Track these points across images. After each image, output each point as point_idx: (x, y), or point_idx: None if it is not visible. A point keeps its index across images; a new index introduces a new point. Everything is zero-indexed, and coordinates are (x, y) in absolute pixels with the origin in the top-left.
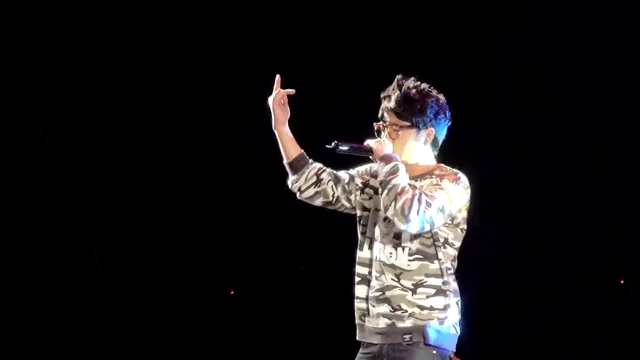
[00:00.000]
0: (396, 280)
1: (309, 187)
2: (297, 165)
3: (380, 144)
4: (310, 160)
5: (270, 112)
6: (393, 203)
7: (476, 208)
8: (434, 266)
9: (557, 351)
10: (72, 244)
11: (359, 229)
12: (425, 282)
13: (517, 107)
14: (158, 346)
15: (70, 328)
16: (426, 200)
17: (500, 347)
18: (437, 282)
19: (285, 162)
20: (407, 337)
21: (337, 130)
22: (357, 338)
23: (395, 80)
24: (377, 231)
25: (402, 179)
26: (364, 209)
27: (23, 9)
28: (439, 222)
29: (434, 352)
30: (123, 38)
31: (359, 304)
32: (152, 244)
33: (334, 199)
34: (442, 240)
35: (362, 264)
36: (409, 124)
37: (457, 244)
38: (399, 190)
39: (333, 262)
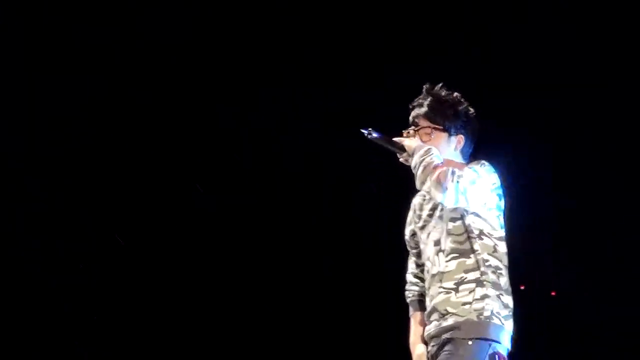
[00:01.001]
0: (440, 284)
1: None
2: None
3: (413, 141)
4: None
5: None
6: (429, 177)
7: None
8: (471, 260)
9: None
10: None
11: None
12: (466, 278)
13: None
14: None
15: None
16: (459, 173)
17: None
18: (476, 275)
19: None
20: (448, 334)
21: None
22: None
23: (424, 89)
24: (427, 252)
25: (437, 159)
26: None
27: (21, 9)
28: (471, 196)
29: (470, 343)
30: (122, 38)
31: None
32: (151, 244)
33: None
34: (476, 232)
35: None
36: (441, 127)
37: (496, 233)
38: (434, 165)
39: (332, 265)
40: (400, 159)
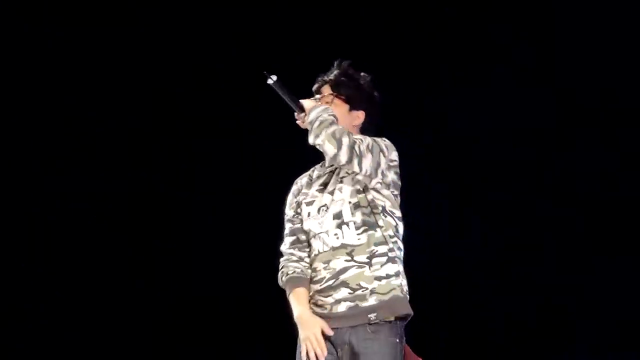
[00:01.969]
0: (350, 258)
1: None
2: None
3: (313, 102)
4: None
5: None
6: (324, 130)
7: None
8: (378, 234)
9: None
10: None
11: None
12: (377, 251)
13: None
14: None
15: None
16: (356, 136)
17: None
18: (384, 249)
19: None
20: (372, 315)
21: None
22: None
23: (335, 63)
24: (313, 227)
25: (334, 118)
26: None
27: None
28: (367, 162)
29: (398, 323)
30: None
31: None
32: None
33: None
34: (380, 208)
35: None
36: (343, 97)
37: (397, 212)
38: (331, 121)
39: None
40: (297, 120)
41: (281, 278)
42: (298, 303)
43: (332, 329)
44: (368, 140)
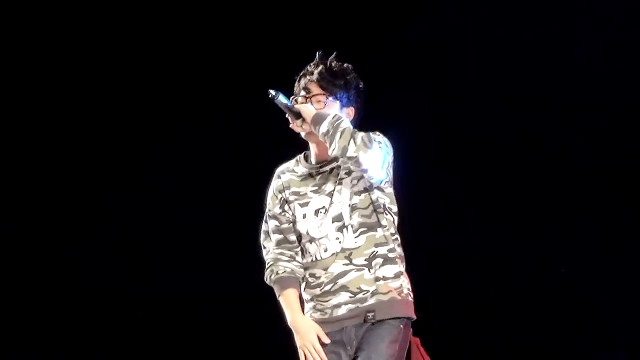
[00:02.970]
0: (349, 262)
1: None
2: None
3: (310, 107)
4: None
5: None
6: (352, 140)
7: None
8: (379, 234)
9: None
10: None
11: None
12: (376, 252)
13: None
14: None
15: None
16: (378, 139)
17: None
18: (385, 250)
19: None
20: (370, 315)
21: None
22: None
23: (317, 55)
24: (311, 231)
25: (350, 124)
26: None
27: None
28: (387, 160)
29: (401, 326)
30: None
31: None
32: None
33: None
34: (382, 207)
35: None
36: (333, 97)
37: (395, 208)
38: (352, 129)
39: None
40: (292, 126)
41: (269, 277)
42: (290, 307)
43: (338, 330)
44: (378, 139)
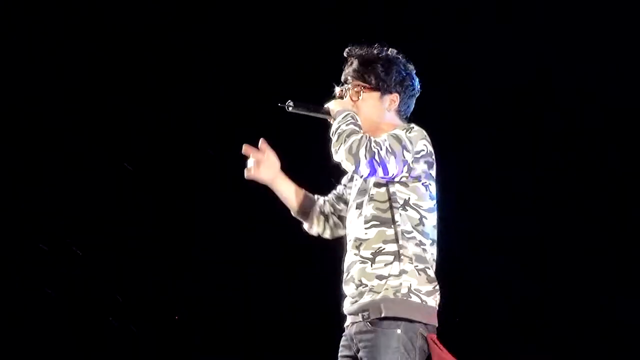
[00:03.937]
0: (357, 252)
1: (324, 228)
2: (304, 213)
3: (337, 104)
4: (314, 198)
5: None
6: (342, 145)
7: None
8: (390, 231)
9: None
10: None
11: None
12: (384, 249)
13: None
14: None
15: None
16: (375, 141)
17: None
18: (394, 247)
19: (293, 214)
20: (365, 314)
21: None
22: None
23: (358, 46)
24: (349, 213)
25: (352, 126)
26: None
27: None
28: (392, 166)
29: (398, 331)
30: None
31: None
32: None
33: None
34: (401, 202)
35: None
36: (371, 85)
37: (425, 205)
38: (349, 133)
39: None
40: (332, 122)
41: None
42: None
43: (348, 325)
44: (388, 141)
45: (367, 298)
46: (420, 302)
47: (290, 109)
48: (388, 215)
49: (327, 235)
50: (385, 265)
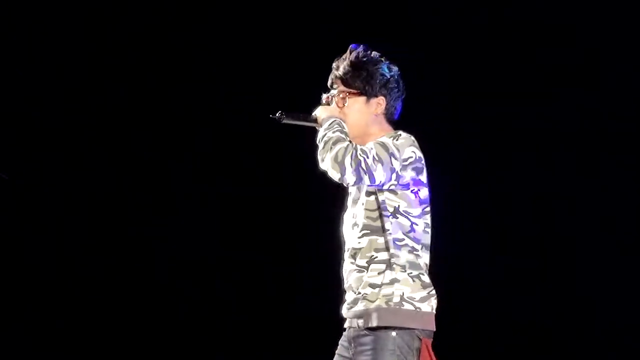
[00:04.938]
0: (354, 262)
1: None
2: None
3: (324, 111)
4: None
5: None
6: (327, 153)
7: None
8: (381, 240)
9: None
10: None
11: None
12: (376, 257)
13: None
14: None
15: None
16: (362, 149)
17: None
18: (385, 256)
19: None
20: (360, 321)
21: None
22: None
23: (348, 49)
24: (344, 222)
25: (339, 133)
26: None
27: None
28: (379, 173)
29: (393, 334)
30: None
31: None
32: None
33: None
34: (390, 210)
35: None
36: (356, 91)
37: (415, 211)
38: (335, 140)
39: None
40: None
41: None
42: None
43: (346, 328)
44: (375, 149)
45: (361, 306)
46: (414, 309)
47: (282, 120)
48: (378, 223)
49: None
50: (379, 273)
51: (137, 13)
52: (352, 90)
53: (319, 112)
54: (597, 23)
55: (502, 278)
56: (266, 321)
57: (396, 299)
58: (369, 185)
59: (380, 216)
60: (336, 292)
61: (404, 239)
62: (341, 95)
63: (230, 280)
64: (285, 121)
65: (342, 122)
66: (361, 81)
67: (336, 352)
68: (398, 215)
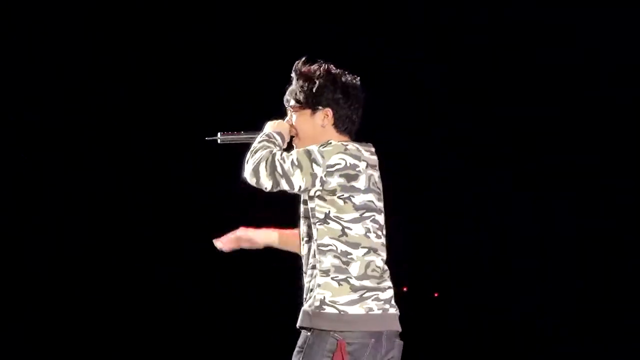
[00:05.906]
0: (304, 269)
1: None
2: None
3: (270, 126)
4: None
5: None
6: (246, 164)
7: None
8: (313, 246)
9: None
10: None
11: None
12: (310, 263)
13: None
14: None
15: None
16: (281, 156)
17: None
18: (313, 262)
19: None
20: (299, 323)
21: None
22: None
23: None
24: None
25: (264, 142)
26: None
27: None
28: (297, 179)
29: (308, 334)
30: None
31: None
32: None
33: None
34: (321, 216)
35: None
36: (300, 105)
37: (347, 216)
38: (256, 150)
39: None
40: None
41: None
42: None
43: None
44: (295, 155)
45: (303, 308)
46: (337, 312)
47: (222, 141)
48: (311, 231)
49: None
50: (311, 279)
51: (137, 13)
52: (296, 105)
53: (266, 128)
54: (597, 23)
55: (502, 278)
56: (266, 321)
57: (317, 303)
58: (289, 192)
59: (312, 224)
60: None
61: (329, 245)
62: (290, 109)
63: (231, 280)
64: (223, 141)
65: (277, 134)
66: (304, 94)
67: None
68: (329, 221)
